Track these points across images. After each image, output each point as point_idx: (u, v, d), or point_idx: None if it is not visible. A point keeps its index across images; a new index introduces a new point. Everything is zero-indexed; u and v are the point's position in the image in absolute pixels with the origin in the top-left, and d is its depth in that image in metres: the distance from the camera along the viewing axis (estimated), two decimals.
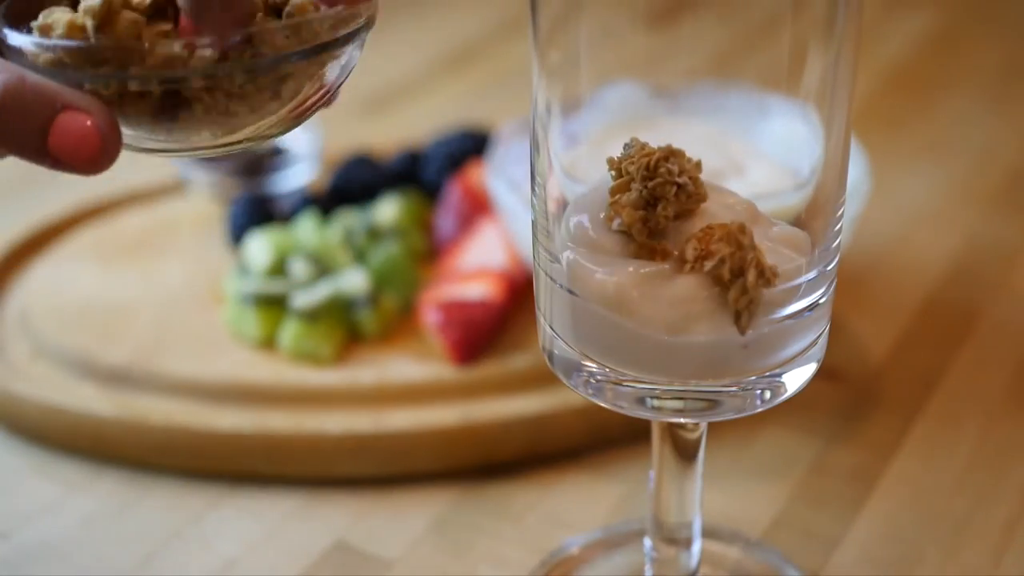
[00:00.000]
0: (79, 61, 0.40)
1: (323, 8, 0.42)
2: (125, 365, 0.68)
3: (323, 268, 0.72)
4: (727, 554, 0.59)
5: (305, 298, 0.69)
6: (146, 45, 0.40)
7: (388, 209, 0.77)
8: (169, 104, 0.41)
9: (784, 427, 0.66)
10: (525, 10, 0.45)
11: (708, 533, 0.57)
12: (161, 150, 0.43)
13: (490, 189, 0.71)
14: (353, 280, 0.70)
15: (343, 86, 0.43)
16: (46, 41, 0.40)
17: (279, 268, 0.72)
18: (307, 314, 0.69)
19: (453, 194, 0.77)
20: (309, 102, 0.43)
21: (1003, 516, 0.60)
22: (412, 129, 0.92)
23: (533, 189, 0.47)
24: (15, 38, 0.41)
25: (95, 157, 0.40)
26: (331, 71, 0.43)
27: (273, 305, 0.70)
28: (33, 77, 0.40)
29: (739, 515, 0.61)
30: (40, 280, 0.76)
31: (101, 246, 0.79)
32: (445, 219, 0.77)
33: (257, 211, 0.77)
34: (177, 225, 0.81)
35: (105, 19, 0.40)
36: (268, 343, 0.70)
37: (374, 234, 0.75)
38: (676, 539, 0.53)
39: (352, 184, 0.80)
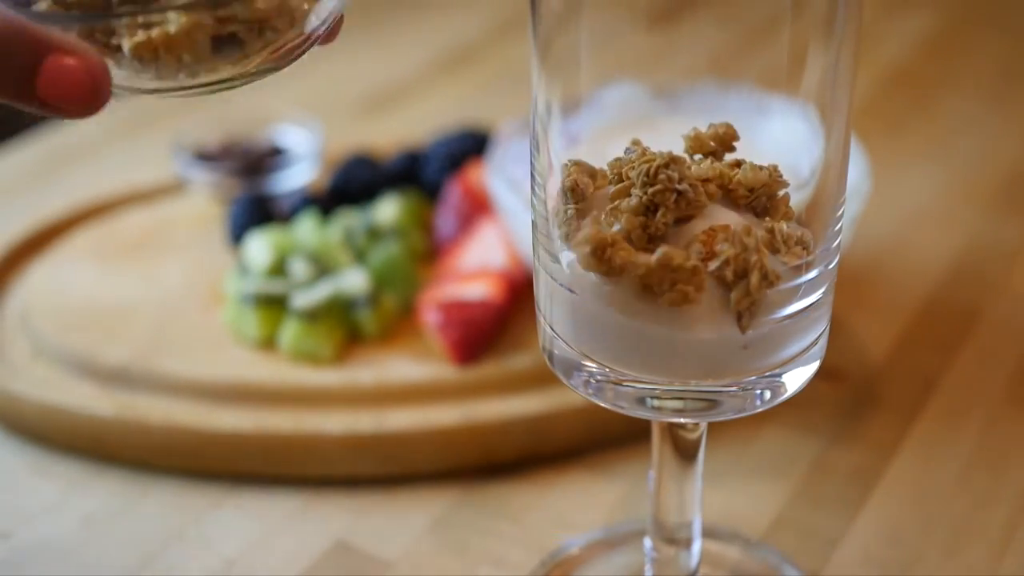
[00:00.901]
0: (66, 5, 0.40)
1: None
2: (125, 365, 0.68)
3: (323, 268, 0.72)
4: (727, 554, 0.59)
5: (305, 298, 0.69)
6: None
7: (388, 209, 0.77)
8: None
9: (784, 427, 0.66)
10: (525, 10, 0.45)
11: (708, 533, 0.57)
12: (151, 90, 0.42)
13: (490, 189, 0.71)
14: (353, 280, 0.70)
15: (339, 26, 0.43)
16: None
17: (279, 268, 0.72)
18: (307, 314, 0.69)
19: (453, 194, 0.77)
20: (290, 45, 0.42)
21: (1003, 516, 0.60)
22: (412, 129, 0.92)
23: (533, 189, 0.47)
24: None
25: (86, 99, 0.40)
26: (311, 16, 0.42)
27: (273, 305, 0.70)
28: (19, 19, 0.39)
29: (739, 515, 0.61)
30: (40, 280, 0.76)
31: (101, 246, 0.79)
32: (445, 219, 0.77)
33: (257, 211, 0.77)
34: (177, 225, 0.81)
35: None
36: (268, 343, 0.70)
37: (374, 234, 0.75)
38: (676, 539, 0.53)
39: (352, 184, 0.80)
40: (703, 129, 0.46)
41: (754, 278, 0.42)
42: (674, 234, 0.44)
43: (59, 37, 0.39)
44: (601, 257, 0.43)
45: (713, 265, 0.43)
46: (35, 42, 0.39)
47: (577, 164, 0.45)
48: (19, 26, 0.39)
